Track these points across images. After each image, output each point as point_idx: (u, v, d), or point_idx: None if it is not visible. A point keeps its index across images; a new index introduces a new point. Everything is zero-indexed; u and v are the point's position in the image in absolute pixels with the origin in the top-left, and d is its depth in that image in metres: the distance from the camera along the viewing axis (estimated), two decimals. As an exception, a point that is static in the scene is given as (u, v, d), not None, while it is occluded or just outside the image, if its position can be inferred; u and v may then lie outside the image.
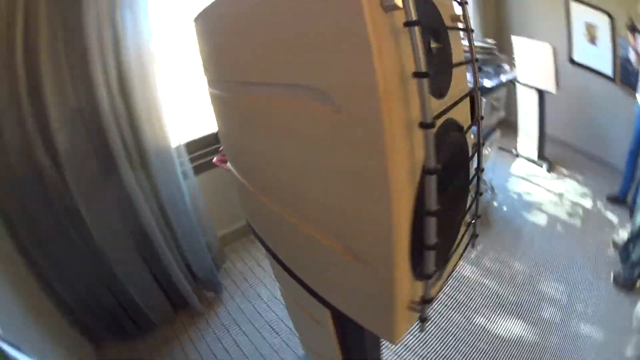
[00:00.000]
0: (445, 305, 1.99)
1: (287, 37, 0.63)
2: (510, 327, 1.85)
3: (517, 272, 2.20)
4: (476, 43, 2.26)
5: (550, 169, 3.22)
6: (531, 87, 3.08)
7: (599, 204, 2.75)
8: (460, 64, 0.73)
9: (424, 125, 0.55)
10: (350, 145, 0.59)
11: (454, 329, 1.87)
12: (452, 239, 0.80)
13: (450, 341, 1.80)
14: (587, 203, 2.82)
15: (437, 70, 0.66)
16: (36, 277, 1.66)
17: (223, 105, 1.01)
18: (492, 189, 2.85)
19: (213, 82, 1.00)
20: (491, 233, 2.53)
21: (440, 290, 0.78)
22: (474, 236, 0.89)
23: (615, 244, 2.30)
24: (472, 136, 0.81)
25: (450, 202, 0.73)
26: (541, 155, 3.25)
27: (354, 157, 0.60)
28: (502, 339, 1.79)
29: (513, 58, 3.11)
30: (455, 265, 0.84)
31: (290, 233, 0.85)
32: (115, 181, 1.74)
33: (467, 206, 0.85)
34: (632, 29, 2.63)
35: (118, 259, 1.79)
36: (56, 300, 1.73)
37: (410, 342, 1.82)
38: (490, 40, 2.41)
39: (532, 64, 3.00)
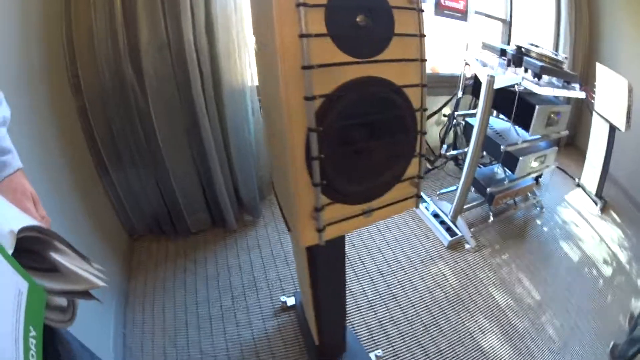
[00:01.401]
0: (446, 297, 2.01)
1: (263, 11, 0.89)
2: (496, 346, 1.82)
3: (528, 295, 2.13)
4: (544, 52, 2.11)
5: (603, 210, 2.96)
6: (604, 119, 2.81)
7: (635, 265, 2.52)
8: (402, 34, 0.89)
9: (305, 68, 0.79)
10: (276, 84, 0.83)
11: (443, 322, 1.89)
12: (370, 177, 0.96)
13: (434, 333, 1.84)
14: (624, 259, 2.59)
15: (356, 36, 0.84)
16: (97, 162, 1.95)
17: (257, 58, 1.24)
18: (542, 206, 2.74)
19: (255, 41, 1.19)
20: (522, 247, 2.45)
21: (365, 223, 1.01)
22: (417, 196, 1.05)
23: (631, 316, 2.11)
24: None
25: (368, 135, 0.91)
26: (599, 193, 2.99)
27: (276, 89, 0.84)
28: (482, 352, 1.79)
29: (594, 85, 2.86)
30: (389, 212, 1.03)
31: (280, 159, 1.06)
32: (187, 105, 1.95)
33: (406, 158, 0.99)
34: None
35: (175, 166, 2.03)
36: (110, 188, 2.02)
37: (398, 316, 1.89)
38: (562, 54, 2.26)
39: (608, 95, 2.71)
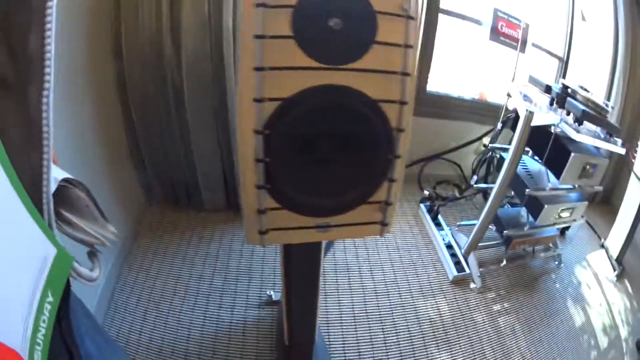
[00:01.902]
0: (433, 333, 1.90)
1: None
2: None
3: (518, 352, 1.95)
4: (591, 97, 1.93)
5: (619, 277, 2.70)
6: None
7: (631, 344, 2.24)
8: (383, 43, 0.79)
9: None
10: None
11: (421, 357, 1.79)
12: (327, 191, 0.89)
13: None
14: (624, 333, 2.33)
15: (326, 41, 0.76)
16: (127, 126, 2.03)
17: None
18: (561, 261, 2.52)
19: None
20: (529, 299, 2.26)
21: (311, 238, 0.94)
22: (383, 224, 0.95)
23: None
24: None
25: (330, 148, 0.83)
26: (620, 258, 2.72)
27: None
28: None
29: (637, 144, 2.59)
30: (348, 233, 0.96)
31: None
32: (219, 86, 1.96)
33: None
34: None
35: (199, 143, 2.06)
36: (136, 152, 2.10)
37: (378, 339, 1.82)
38: (609, 103, 2.06)
39: None
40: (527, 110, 1.88)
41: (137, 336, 1.71)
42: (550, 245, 2.48)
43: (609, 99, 3.03)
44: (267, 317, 1.84)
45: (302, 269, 1.27)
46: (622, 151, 2.12)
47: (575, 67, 2.94)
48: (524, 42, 2.43)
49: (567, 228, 2.74)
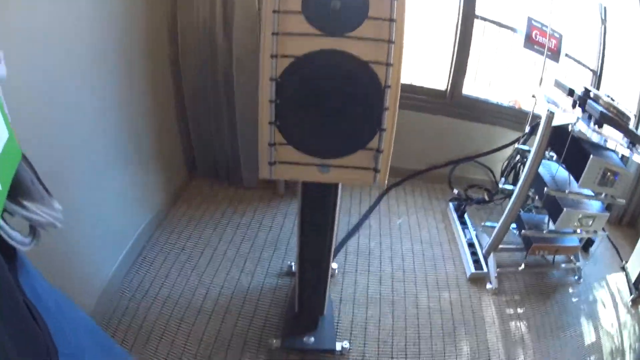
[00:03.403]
0: (441, 326, 1.83)
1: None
2: None
3: (523, 355, 1.85)
4: (615, 104, 1.84)
5: (634, 302, 2.49)
6: None
7: None
8: (376, 18, 0.96)
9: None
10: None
11: (425, 347, 1.73)
12: (326, 133, 1.04)
13: (410, 352, 1.70)
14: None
15: (327, 16, 0.95)
16: (177, 103, 2.13)
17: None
18: (580, 276, 2.36)
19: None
20: (542, 308, 2.13)
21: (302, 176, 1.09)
22: (375, 170, 1.07)
23: None
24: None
25: (331, 97, 1.00)
26: (638, 282, 2.52)
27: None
28: None
29: None
30: (346, 175, 1.08)
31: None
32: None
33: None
34: None
35: (244, 123, 2.13)
36: (184, 128, 2.21)
37: (385, 323, 1.79)
38: (630, 111, 1.95)
39: None
40: (548, 110, 1.84)
41: (157, 290, 1.78)
42: (571, 257, 2.34)
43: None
44: (283, 287, 1.87)
45: (314, 229, 1.32)
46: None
47: (610, 82, 2.81)
48: (558, 52, 2.34)
49: (591, 244, 2.57)
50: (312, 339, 1.60)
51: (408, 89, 2.52)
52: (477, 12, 2.37)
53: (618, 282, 2.64)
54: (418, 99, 2.55)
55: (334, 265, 1.94)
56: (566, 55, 2.51)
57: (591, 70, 2.78)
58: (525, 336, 1.94)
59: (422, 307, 1.90)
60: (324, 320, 1.69)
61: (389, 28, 0.96)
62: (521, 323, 2.00)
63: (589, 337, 2.14)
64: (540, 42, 2.28)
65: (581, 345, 2.07)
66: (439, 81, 2.60)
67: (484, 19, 2.43)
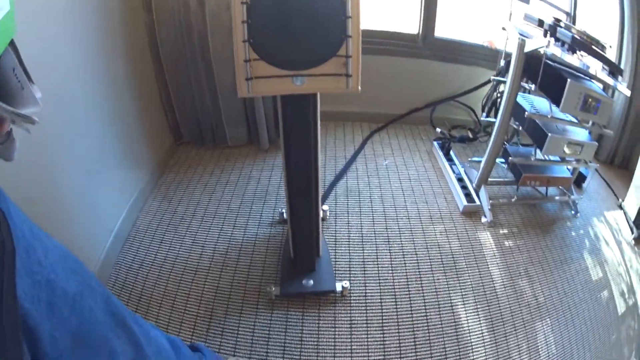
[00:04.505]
0: (441, 259, 1.76)
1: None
2: (474, 329, 1.52)
3: (531, 292, 1.76)
4: (588, 33, 1.87)
5: (637, 240, 2.42)
6: None
7: None
8: None
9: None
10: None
11: (427, 282, 1.66)
12: (297, 45, 1.04)
13: (412, 289, 1.62)
14: None
15: None
16: (157, 71, 2.09)
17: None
18: (577, 210, 2.30)
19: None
20: (543, 241, 2.06)
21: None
22: (347, 75, 1.07)
23: None
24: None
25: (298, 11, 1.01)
26: (638, 221, 2.45)
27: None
28: (455, 327, 1.51)
29: None
30: (318, 84, 1.08)
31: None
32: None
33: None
34: None
35: (223, 82, 2.09)
36: (165, 95, 2.16)
37: (384, 260, 1.72)
38: (607, 43, 1.93)
39: None
40: (519, 38, 1.82)
41: (153, 256, 1.71)
42: (565, 190, 2.28)
43: (620, 55, 2.84)
44: (277, 235, 1.81)
45: (298, 141, 1.29)
46: (627, 92, 1.98)
47: (585, 23, 2.78)
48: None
49: (583, 180, 2.52)
50: (311, 281, 1.54)
51: (380, 35, 2.51)
52: None
53: (617, 219, 2.58)
54: (391, 43, 2.53)
55: (324, 207, 1.89)
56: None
57: (565, 12, 2.75)
58: (530, 268, 1.87)
59: (419, 242, 1.83)
60: (320, 262, 1.63)
61: None
62: (522, 256, 1.92)
63: (595, 273, 2.07)
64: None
65: (589, 280, 2.00)
66: (412, 26, 2.59)
67: None
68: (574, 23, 2.71)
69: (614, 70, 1.93)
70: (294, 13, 1.01)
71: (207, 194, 2.02)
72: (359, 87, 1.11)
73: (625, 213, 2.56)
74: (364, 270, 1.67)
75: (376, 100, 2.64)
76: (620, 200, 2.67)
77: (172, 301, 1.53)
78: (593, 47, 1.84)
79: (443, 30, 2.64)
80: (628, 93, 2.03)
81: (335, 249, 1.75)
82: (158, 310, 1.50)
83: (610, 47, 2.49)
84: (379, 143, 2.56)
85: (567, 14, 2.74)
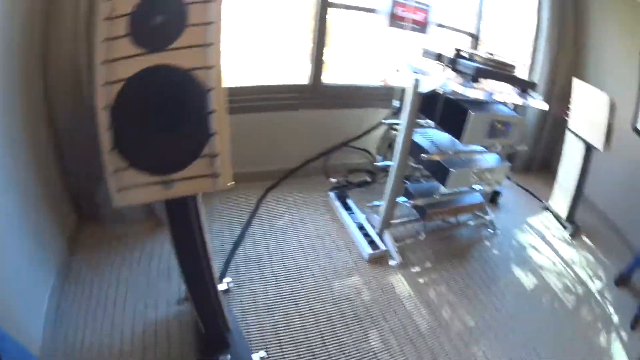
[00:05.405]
0: (354, 312, 1.76)
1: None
2: None
3: (459, 321, 1.79)
4: (494, 57, 1.84)
5: (574, 235, 2.47)
6: (579, 137, 2.35)
7: (609, 295, 2.05)
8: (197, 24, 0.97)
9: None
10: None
11: (345, 337, 1.66)
12: (164, 150, 1.02)
13: (330, 346, 1.62)
14: (595, 287, 2.11)
15: (151, 32, 0.96)
16: (55, 152, 2.01)
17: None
18: (494, 227, 2.33)
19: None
20: (460, 269, 2.08)
21: (160, 195, 1.06)
22: (215, 175, 1.05)
23: None
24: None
25: (161, 114, 0.99)
26: (570, 217, 2.50)
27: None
28: None
29: (569, 102, 2.42)
30: (187, 187, 1.06)
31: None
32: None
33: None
34: None
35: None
36: (64, 170, 2.07)
37: (295, 323, 1.72)
38: (511, 61, 1.93)
39: (586, 113, 2.27)
40: (413, 79, 1.79)
41: (80, 343, 1.66)
42: (479, 213, 2.31)
43: (533, 65, 2.88)
44: (187, 312, 1.77)
45: (185, 238, 1.28)
46: (545, 106, 1.99)
47: (493, 42, 2.81)
48: (426, 23, 2.31)
49: (498, 195, 2.57)
50: (229, 356, 1.52)
51: (267, 90, 2.42)
52: (333, 1, 2.30)
53: (545, 221, 2.63)
54: (280, 97, 2.45)
55: (227, 279, 1.87)
56: (440, 25, 2.48)
57: (470, 34, 2.76)
58: (451, 298, 1.89)
59: (328, 300, 1.83)
60: (233, 336, 1.61)
61: (206, 32, 0.97)
62: (441, 288, 1.94)
63: (529, 281, 2.10)
64: (406, 17, 2.24)
65: (522, 291, 2.03)
66: (302, 76, 2.51)
67: (344, 7, 2.36)
68: (477, 42, 2.73)
69: (526, 87, 1.92)
70: (160, 112, 0.99)
71: (114, 274, 1.96)
72: (232, 182, 1.08)
73: (553, 213, 2.62)
74: (279, 337, 1.66)
75: (268, 157, 2.54)
76: (544, 202, 2.74)
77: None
78: (500, 70, 1.83)
79: (335, 76, 2.58)
80: (546, 107, 2.03)
81: (245, 320, 1.73)
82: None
83: (524, 65, 2.51)
84: (274, 202, 2.47)
85: (472, 35, 2.76)
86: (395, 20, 2.24)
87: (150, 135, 0.99)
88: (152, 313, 1.78)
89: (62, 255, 1.99)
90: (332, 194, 2.46)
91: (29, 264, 1.68)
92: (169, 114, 0.99)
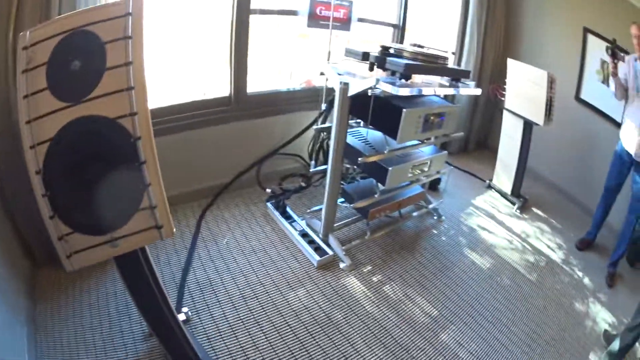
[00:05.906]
0: (315, 321, 1.79)
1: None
2: None
3: (421, 313, 1.85)
4: (423, 50, 1.86)
5: (522, 209, 2.62)
6: (518, 115, 2.48)
7: (575, 259, 2.17)
8: (114, 67, 0.90)
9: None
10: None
11: (312, 347, 1.69)
12: (101, 208, 0.96)
13: (300, 358, 1.65)
14: (556, 256, 2.24)
15: (69, 82, 0.90)
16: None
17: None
18: (439, 215, 2.43)
19: None
20: (411, 261, 2.13)
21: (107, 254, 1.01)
22: (157, 227, 1.00)
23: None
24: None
25: (92, 170, 0.93)
26: (516, 192, 2.66)
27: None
28: None
29: (504, 82, 2.54)
30: (132, 242, 1.02)
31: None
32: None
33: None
34: (613, 54, 1.95)
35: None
36: (10, 217, 1.95)
37: (261, 342, 1.72)
38: (445, 51, 1.96)
39: (523, 91, 2.40)
40: (340, 82, 1.77)
41: None
42: (421, 203, 2.39)
43: (461, 51, 2.96)
44: (155, 347, 1.75)
45: (139, 289, 1.28)
46: (477, 91, 2.03)
47: (417, 31, 2.86)
48: (349, 20, 2.31)
49: (438, 182, 2.66)
50: None
51: (189, 107, 2.32)
52: (252, 7, 2.23)
53: (489, 199, 2.76)
54: (203, 113, 2.36)
55: (184, 309, 1.84)
56: (362, 20, 2.48)
57: (393, 26, 2.78)
58: (408, 291, 1.93)
59: (287, 312, 1.84)
60: None
61: (128, 73, 0.90)
62: (395, 283, 1.99)
63: (485, 262, 2.16)
64: (326, 16, 2.23)
65: (480, 273, 2.08)
66: (224, 87, 2.43)
67: (263, 12, 2.30)
68: (403, 34, 2.75)
69: (459, 76, 1.95)
70: (91, 169, 0.94)
71: (78, 321, 1.85)
72: (174, 230, 1.05)
73: (497, 190, 2.76)
74: (248, 358, 1.67)
75: (199, 175, 2.46)
76: (487, 181, 2.87)
77: None
78: (431, 64, 1.83)
79: (259, 84, 2.52)
80: (478, 92, 2.07)
81: (212, 346, 1.73)
82: None
83: (454, 53, 2.56)
84: (214, 220, 2.40)
85: (396, 26, 2.78)
86: (315, 20, 2.22)
87: (85, 194, 0.95)
88: (122, 354, 1.75)
89: (28, 310, 1.89)
90: (269, 204, 2.42)
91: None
92: (99, 168, 0.94)
